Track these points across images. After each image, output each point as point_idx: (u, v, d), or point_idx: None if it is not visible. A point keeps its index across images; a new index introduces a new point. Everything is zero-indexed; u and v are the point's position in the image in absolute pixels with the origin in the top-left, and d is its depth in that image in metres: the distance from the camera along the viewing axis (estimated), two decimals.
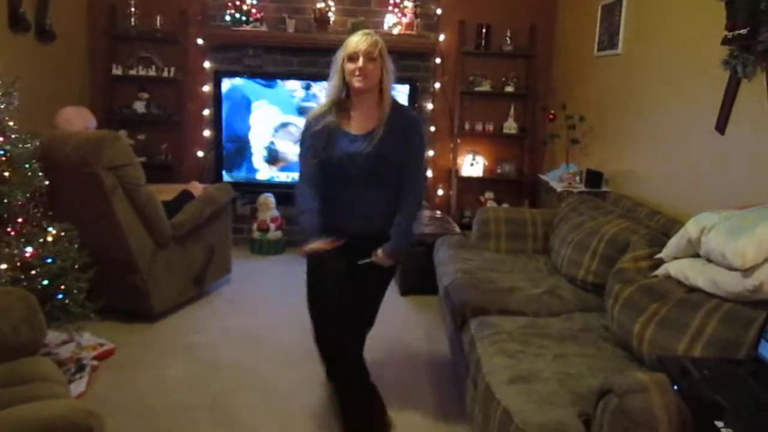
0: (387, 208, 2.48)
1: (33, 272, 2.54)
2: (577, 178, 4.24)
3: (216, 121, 5.13)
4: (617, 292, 2.41)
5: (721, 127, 2.82)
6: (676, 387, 1.57)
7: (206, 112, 5.18)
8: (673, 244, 2.32)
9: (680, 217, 2.85)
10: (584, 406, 1.85)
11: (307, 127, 2.51)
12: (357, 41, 2.36)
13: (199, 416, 2.65)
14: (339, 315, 2.50)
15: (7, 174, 2.46)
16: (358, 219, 2.48)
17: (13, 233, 2.52)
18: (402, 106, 2.58)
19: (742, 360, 1.74)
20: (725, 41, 2.64)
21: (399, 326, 3.63)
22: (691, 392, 1.54)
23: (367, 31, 2.43)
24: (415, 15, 4.99)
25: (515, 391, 1.98)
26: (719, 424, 1.38)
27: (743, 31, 2.52)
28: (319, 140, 2.44)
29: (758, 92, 2.56)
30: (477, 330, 2.51)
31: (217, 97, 5.08)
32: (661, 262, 2.39)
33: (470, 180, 5.46)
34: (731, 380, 1.63)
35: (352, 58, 2.35)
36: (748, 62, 2.57)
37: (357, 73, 2.34)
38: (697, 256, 2.19)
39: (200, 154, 5.24)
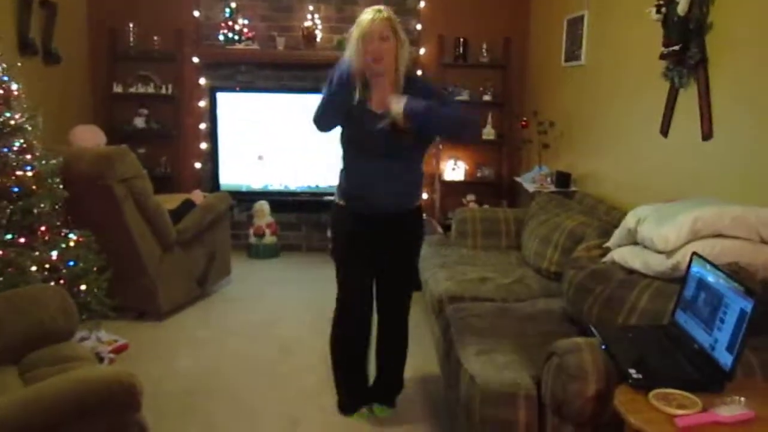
0: (411, 183, 2.65)
1: (58, 274, 2.87)
2: (549, 179, 4.60)
3: (212, 134, 5.46)
4: (571, 278, 2.76)
5: (664, 131, 3.19)
6: (604, 347, 1.92)
7: (203, 125, 5.52)
8: (617, 234, 2.68)
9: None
10: (538, 370, 2.19)
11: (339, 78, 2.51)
12: (368, 21, 2.40)
13: (209, 400, 2.99)
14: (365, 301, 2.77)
15: (34, 187, 2.79)
16: (385, 193, 2.58)
17: (40, 240, 2.84)
18: (414, 77, 2.69)
19: (663, 325, 2.10)
20: (662, 56, 3.01)
21: None
22: (615, 350, 1.90)
23: (378, 7, 2.46)
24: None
25: (480, 360, 2.32)
26: (632, 371, 1.74)
27: (676, 48, 2.89)
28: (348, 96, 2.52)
29: (692, 100, 2.92)
30: (451, 314, 2.86)
31: (212, 112, 5.42)
32: (609, 250, 2.75)
33: (453, 184, 5.81)
34: (649, 340, 1.99)
35: (366, 38, 2.41)
36: (683, 74, 2.94)
37: (371, 56, 2.41)
38: (635, 243, 2.55)
39: (198, 165, 5.58)
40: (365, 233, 2.67)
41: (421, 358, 3.34)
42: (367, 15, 2.44)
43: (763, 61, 2.47)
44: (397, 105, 2.40)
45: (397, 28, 2.47)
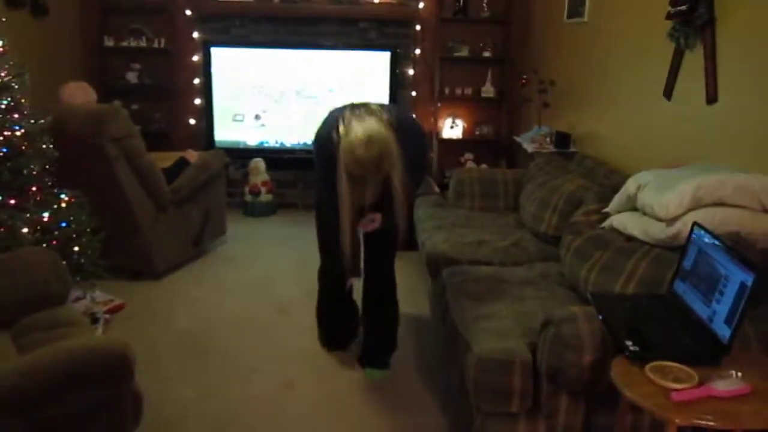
0: None
1: (50, 235, 2.83)
2: (548, 140, 4.53)
3: (206, 90, 5.36)
4: (569, 243, 2.74)
5: (668, 93, 3.12)
6: (600, 317, 1.91)
7: (197, 81, 5.41)
8: (617, 199, 2.65)
9: (634, 174, 3.14)
10: (533, 337, 2.19)
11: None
12: (354, 158, 2.24)
13: (204, 361, 2.99)
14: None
15: (23, 147, 2.73)
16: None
17: (31, 201, 2.79)
18: (405, 124, 2.52)
19: (661, 294, 2.08)
20: (668, 16, 2.92)
21: None
22: (612, 320, 1.88)
23: (363, 137, 2.25)
24: None
25: (476, 327, 2.31)
26: (628, 342, 1.73)
27: (683, 7, 2.80)
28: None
29: (698, 62, 2.85)
30: (448, 278, 2.84)
31: (206, 67, 5.31)
32: (608, 215, 2.72)
33: (451, 142, 5.75)
34: (646, 310, 1.97)
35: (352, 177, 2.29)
36: (689, 35, 2.86)
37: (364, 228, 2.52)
38: (635, 209, 2.52)
39: (192, 121, 5.49)
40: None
41: (416, 320, 3.35)
42: (356, 152, 2.24)
43: None
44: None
45: (386, 157, 2.27)
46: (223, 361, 3.00)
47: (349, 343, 3.10)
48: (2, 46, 2.71)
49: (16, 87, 2.72)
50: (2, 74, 2.68)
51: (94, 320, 3.15)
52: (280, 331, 3.30)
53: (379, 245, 2.79)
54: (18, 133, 2.71)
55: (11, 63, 2.76)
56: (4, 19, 2.80)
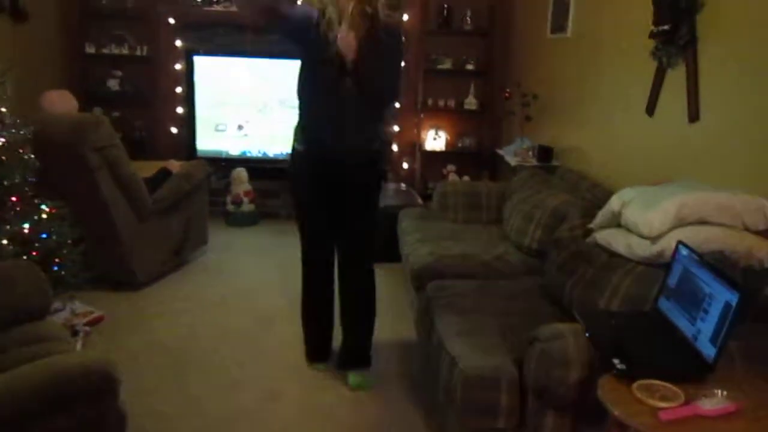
0: (368, 122, 2.68)
1: (30, 247, 2.78)
2: (530, 153, 4.57)
3: (189, 99, 5.32)
4: (553, 258, 2.76)
5: (650, 110, 3.17)
6: (587, 334, 1.92)
7: (179, 89, 5.37)
8: (601, 215, 2.67)
9: (616, 189, 3.18)
10: (519, 353, 2.19)
11: None
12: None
13: (187, 373, 2.96)
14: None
15: (4, 158, 2.68)
16: (340, 132, 2.63)
17: (11, 212, 2.74)
18: (379, 20, 2.59)
19: (645, 311, 2.10)
20: (651, 35, 2.97)
21: None
22: (598, 337, 1.90)
23: None
24: None
25: (462, 342, 2.32)
26: (615, 360, 1.74)
27: (666, 27, 2.84)
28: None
29: (680, 81, 2.89)
30: (433, 292, 2.84)
31: (189, 76, 5.27)
32: (591, 230, 2.75)
33: (433, 153, 5.78)
34: (632, 328, 1.99)
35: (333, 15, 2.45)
36: (672, 54, 2.90)
37: (344, 50, 2.44)
38: (619, 226, 2.55)
39: (174, 130, 5.44)
40: (324, 176, 2.70)
41: (399, 333, 3.35)
42: None
43: (754, 44, 2.44)
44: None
45: None
46: (206, 373, 2.97)
47: (330, 350, 3.07)
48: None
49: None
50: None
51: (74, 333, 3.10)
52: (264, 343, 3.27)
53: (359, 207, 2.79)
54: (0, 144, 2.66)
55: None
56: None
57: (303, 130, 2.72)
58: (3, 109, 2.79)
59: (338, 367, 2.98)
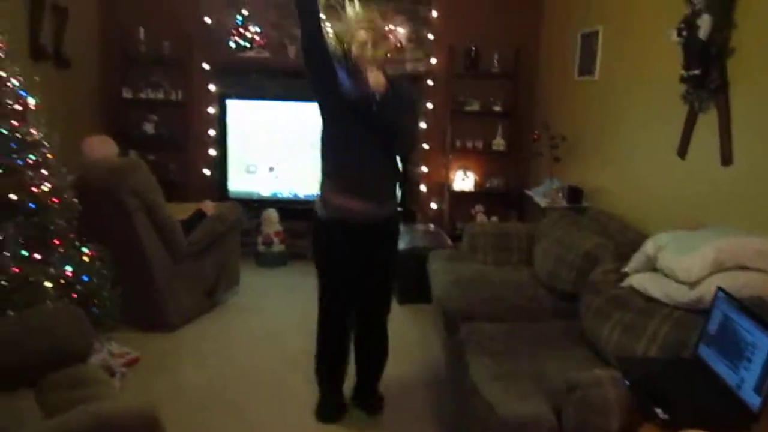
0: (391, 181, 2.76)
1: (72, 289, 2.85)
2: (560, 194, 4.57)
3: (221, 141, 5.45)
4: (589, 302, 2.75)
5: (682, 152, 3.17)
6: (627, 382, 1.91)
7: (212, 132, 5.50)
8: (636, 259, 2.66)
9: (647, 231, 3.19)
10: (556, 399, 2.18)
11: None
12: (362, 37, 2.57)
13: (215, 415, 2.99)
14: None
15: (49, 202, 2.77)
16: (368, 194, 2.69)
17: (55, 255, 2.82)
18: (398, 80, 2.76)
19: (685, 359, 2.08)
20: (682, 80, 2.99)
21: (397, 332, 3.94)
22: (639, 385, 1.88)
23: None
24: (409, 40, 5.35)
25: (497, 387, 2.31)
26: (658, 410, 1.72)
27: (697, 72, 2.87)
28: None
29: (712, 124, 2.90)
30: (465, 335, 2.84)
31: (221, 118, 5.41)
32: (626, 274, 2.74)
33: (462, 194, 5.81)
34: (673, 375, 1.97)
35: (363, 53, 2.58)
36: (703, 98, 2.92)
37: (374, 89, 2.53)
38: (655, 270, 2.54)
39: (206, 172, 5.56)
40: (345, 242, 2.75)
41: (430, 374, 3.34)
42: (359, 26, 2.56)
43: None
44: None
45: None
46: (235, 416, 2.99)
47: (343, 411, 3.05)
48: (35, 104, 2.78)
49: (47, 144, 2.78)
50: (33, 131, 2.73)
51: (112, 374, 3.14)
52: (291, 385, 3.28)
53: (382, 266, 2.87)
54: (46, 189, 2.75)
55: (42, 121, 2.82)
56: (37, 78, 2.85)
57: (325, 195, 2.75)
58: (50, 156, 2.89)
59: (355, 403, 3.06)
